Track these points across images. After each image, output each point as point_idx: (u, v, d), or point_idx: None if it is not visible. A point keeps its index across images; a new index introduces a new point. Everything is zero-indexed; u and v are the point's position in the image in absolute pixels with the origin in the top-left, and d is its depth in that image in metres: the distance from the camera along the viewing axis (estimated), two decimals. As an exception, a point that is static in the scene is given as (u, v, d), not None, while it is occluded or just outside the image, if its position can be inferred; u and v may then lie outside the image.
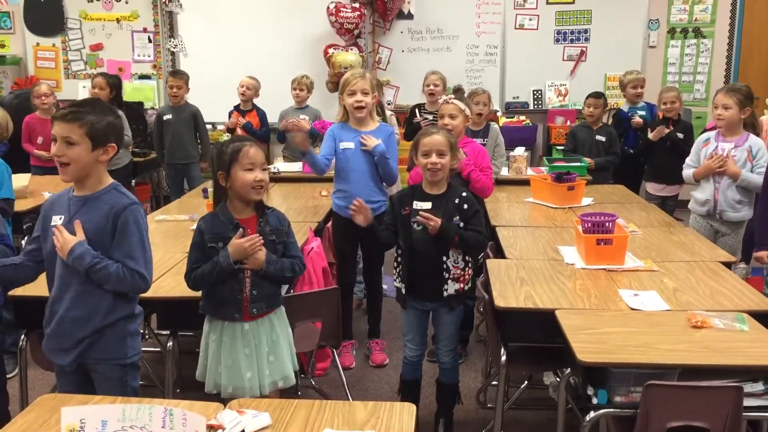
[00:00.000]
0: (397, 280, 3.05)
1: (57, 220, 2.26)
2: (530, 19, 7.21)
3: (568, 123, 6.93)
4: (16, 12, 7.59)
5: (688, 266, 3.12)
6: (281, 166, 5.41)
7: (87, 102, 2.32)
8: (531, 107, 7.32)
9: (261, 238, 2.44)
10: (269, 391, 2.53)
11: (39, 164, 5.58)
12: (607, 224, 3.16)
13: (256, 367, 2.51)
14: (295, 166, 5.36)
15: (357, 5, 6.87)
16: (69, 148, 2.20)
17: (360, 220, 2.98)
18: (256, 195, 2.47)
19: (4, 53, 7.48)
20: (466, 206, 2.93)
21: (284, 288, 2.71)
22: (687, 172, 4.13)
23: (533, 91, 7.31)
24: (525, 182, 4.69)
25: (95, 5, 7.51)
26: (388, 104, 7.16)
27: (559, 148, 6.62)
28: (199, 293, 2.57)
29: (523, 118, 7.19)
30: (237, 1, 7.26)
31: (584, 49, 7.21)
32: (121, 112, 5.73)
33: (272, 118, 5.94)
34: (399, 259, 3.03)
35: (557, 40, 7.24)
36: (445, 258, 2.92)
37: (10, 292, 2.86)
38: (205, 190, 4.59)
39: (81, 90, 7.44)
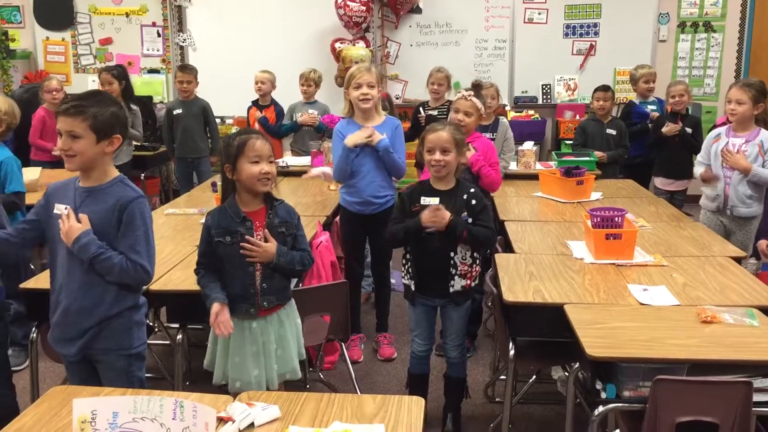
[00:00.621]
0: (406, 277, 3.05)
1: (61, 209, 2.27)
2: (539, 13, 7.19)
3: (577, 117, 6.89)
4: (26, 6, 7.62)
5: (698, 261, 3.11)
6: (290, 160, 5.42)
7: (90, 94, 2.31)
8: (540, 101, 7.29)
9: (257, 250, 2.44)
10: (277, 385, 2.54)
11: (42, 159, 5.61)
12: (616, 219, 3.15)
13: (263, 365, 2.51)
14: (304, 161, 5.37)
15: (365, -1, 6.86)
16: (74, 142, 2.21)
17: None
18: (262, 187, 2.46)
19: (14, 47, 7.51)
20: (474, 202, 2.92)
21: (293, 282, 2.71)
22: (698, 169, 4.11)
23: (542, 85, 7.28)
24: (534, 177, 4.68)
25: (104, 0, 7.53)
26: (396, 98, 7.16)
27: (567, 142, 6.60)
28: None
29: (531, 112, 7.16)
30: (245, -5, 7.27)
31: (593, 43, 7.18)
32: (135, 107, 5.76)
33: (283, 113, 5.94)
34: (408, 255, 3.03)
35: (566, 34, 7.20)
36: (452, 254, 2.91)
37: (22, 285, 2.88)
38: (214, 184, 4.61)
39: (90, 84, 7.45)
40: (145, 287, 2.51)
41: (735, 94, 3.86)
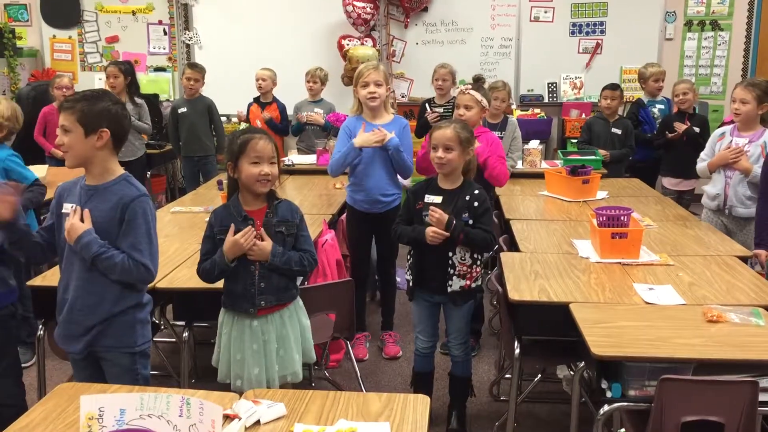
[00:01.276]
0: (408, 272, 3.07)
1: (68, 208, 2.29)
2: (545, 12, 7.17)
3: (583, 116, 6.88)
4: (33, 4, 7.65)
5: (704, 260, 3.11)
6: (295, 158, 5.43)
7: (89, 92, 2.32)
8: (546, 100, 7.28)
9: (253, 230, 2.42)
10: (278, 385, 2.53)
11: (49, 156, 5.66)
12: (622, 218, 3.15)
13: (263, 363, 2.51)
14: (309, 159, 5.38)
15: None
16: (65, 136, 2.23)
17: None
18: (261, 188, 2.45)
19: (22, 45, 7.54)
20: (476, 204, 2.92)
21: (299, 280, 2.71)
22: (701, 165, 4.10)
23: (548, 83, 7.27)
24: (539, 175, 4.68)
25: (111, -3, 7.57)
26: (402, 97, 7.16)
27: (573, 141, 6.58)
28: (214, 284, 2.59)
29: (537, 111, 7.15)
30: (251, -6, 7.28)
31: (600, 41, 7.16)
32: (141, 100, 5.73)
33: (287, 110, 5.95)
34: (411, 252, 3.05)
35: (573, 33, 7.19)
36: (451, 254, 2.92)
37: (29, 282, 2.89)
38: (219, 182, 4.62)
39: (97, 82, 7.48)
40: (150, 285, 2.51)
41: (739, 94, 3.85)
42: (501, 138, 4.32)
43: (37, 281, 2.90)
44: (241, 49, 7.23)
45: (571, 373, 2.86)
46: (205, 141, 5.95)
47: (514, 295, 2.72)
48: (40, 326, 2.91)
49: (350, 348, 3.51)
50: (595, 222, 3.19)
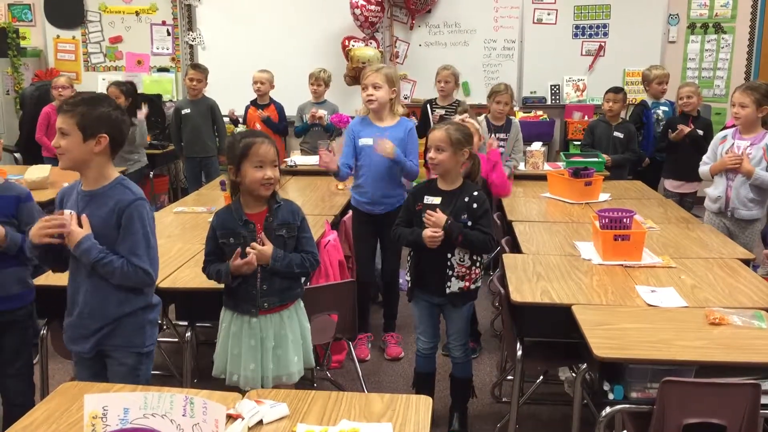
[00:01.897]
0: (408, 273, 3.08)
1: (67, 214, 2.28)
2: (548, 14, 7.17)
3: (586, 118, 6.88)
4: (36, 4, 7.66)
5: (706, 263, 3.11)
6: (298, 159, 5.43)
7: (89, 95, 2.31)
8: (548, 102, 7.28)
9: (254, 254, 2.43)
10: (272, 386, 2.53)
11: (50, 155, 5.65)
12: (624, 220, 3.15)
13: (259, 360, 2.52)
14: (312, 160, 5.38)
15: (381, -1, 6.87)
16: (63, 138, 2.23)
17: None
18: (265, 192, 2.46)
19: (25, 45, 7.55)
20: (475, 205, 2.93)
21: (301, 280, 2.71)
22: (703, 168, 4.10)
23: (551, 86, 7.27)
24: (542, 177, 4.68)
25: (115, -2, 7.58)
26: (405, 98, 7.16)
27: (576, 143, 6.58)
28: (216, 284, 2.59)
29: (540, 113, 7.15)
30: (255, -6, 7.29)
31: (603, 44, 7.16)
32: (141, 118, 5.65)
33: (290, 111, 5.95)
34: (411, 253, 3.07)
35: (575, 35, 7.19)
36: (449, 255, 2.92)
37: (34, 281, 2.89)
38: (222, 183, 4.63)
39: (100, 82, 7.50)
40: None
41: (738, 98, 3.87)
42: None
43: (40, 280, 2.90)
44: (244, 50, 7.23)
45: (573, 374, 2.87)
46: (208, 142, 5.96)
47: (516, 296, 2.72)
48: (43, 326, 2.91)
49: (352, 349, 3.51)
50: (597, 224, 3.19)
